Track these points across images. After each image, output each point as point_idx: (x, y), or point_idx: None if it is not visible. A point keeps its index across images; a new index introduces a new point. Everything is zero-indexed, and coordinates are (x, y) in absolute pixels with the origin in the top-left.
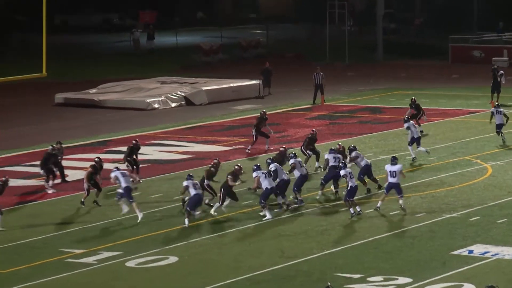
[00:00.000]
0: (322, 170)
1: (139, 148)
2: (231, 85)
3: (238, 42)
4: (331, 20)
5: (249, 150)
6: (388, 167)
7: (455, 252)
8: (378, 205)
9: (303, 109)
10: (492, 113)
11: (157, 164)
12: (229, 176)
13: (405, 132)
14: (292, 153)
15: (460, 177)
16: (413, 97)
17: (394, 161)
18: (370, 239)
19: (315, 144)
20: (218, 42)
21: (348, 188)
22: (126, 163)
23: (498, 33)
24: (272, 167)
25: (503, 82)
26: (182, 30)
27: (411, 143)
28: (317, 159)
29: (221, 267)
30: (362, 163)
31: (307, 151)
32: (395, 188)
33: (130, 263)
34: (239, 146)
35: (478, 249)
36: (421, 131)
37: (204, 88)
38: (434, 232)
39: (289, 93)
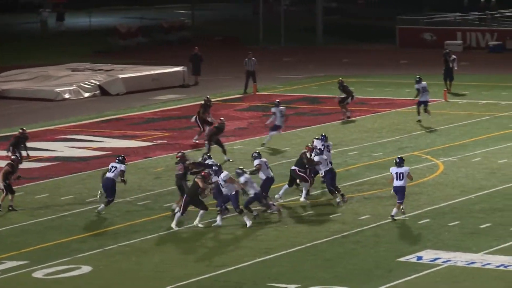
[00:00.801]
0: None
1: (27, 138)
2: (152, 72)
3: (160, 23)
4: None
5: (196, 140)
6: (394, 169)
7: (403, 259)
8: (393, 213)
9: (233, 99)
10: (418, 90)
11: (68, 162)
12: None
13: (347, 126)
14: (256, 152)
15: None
16: (340, 78)
17: (400, 163)
18: (308, 245)
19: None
20: (137, 24)
21: (252, 195)
22: (11, 153)
23: (461, 12)
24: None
25: (456, 68)
26: (96, 10)
27: (272, 129)
28: (224, 152)
29: (140, 277)
30: (263, 175)
31: (211, 143)
32: (399, 192)
33: (37, 274)
34: (161, 141)
35: (428, 255)
36: (263, 144)
37: (121, 76)
38: (379, 236)
39: (217, 81)
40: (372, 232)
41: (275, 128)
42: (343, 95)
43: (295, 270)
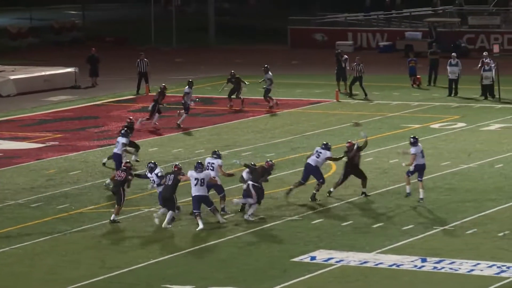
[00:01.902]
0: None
1: None
2: (43, 73)
3: (50, 24)
4: None
5: (144, 122)
6: (414, 149)
7: (296, 259)
8: (408, 191)
9: (125, 100)
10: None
11: None
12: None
13: (240, 127)
14: (216, 151)
15: (301, 176)
16: (232, 70)
17: (416, 141)
18: (203, 245)
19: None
20: (27, 25)
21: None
22: None
23: (365, 12)
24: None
25: (348, 68)
26: None
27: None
28: (137, 150)
29: (33, 280)
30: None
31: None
32: (422, 169)
33: None
34: (53, 143)
35: (321, 255)
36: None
37: (12, 77)
38: (273, 237)
39: (110, 82)
40: (266, 232)
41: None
42: (232, 87)
43: (189, 271)
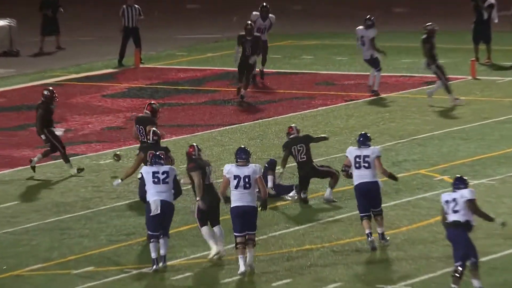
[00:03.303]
0: None
1: None
2: None
3: None
4: None
5: None
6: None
7: None
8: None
9: (98, 76)
10: None
11: None
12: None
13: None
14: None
15: None
16: None
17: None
18: None
19: None
20: None
21: None
22: None
23: None
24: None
25: (495, 20)
26: None
27: None
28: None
29: None
30: None
31: None
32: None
33: None
34: None
35: None
36: None
37: None
38: None
39: (72, 44)
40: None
41: None
42: None
43: None
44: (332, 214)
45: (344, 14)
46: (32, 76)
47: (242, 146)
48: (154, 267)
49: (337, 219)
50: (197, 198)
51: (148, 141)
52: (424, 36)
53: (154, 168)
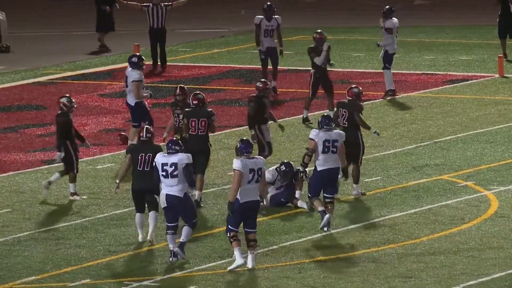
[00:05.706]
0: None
1: None
2: None
3: None
4: None
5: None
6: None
7: None
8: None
9: (97, 74)
10: None
11: None
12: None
13: None
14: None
15: None
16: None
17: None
18: None
19: None
20: None
21: None
22: None
23: None
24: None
25: None
26: None
27: None
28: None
29: None
30: None
31: None
32: None
33: None
34: None
35: None
36: None
37: None
38: None
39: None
40: None
41: None
42: None
43: None
44: (346, 223)
45: (361, 7)
46: (23, 74)
47: (245, 138)
48: (171, 259)
49: (352, 228)
50: (117, 180)
51: (141, 138)
52: None
53: (164, 159)
